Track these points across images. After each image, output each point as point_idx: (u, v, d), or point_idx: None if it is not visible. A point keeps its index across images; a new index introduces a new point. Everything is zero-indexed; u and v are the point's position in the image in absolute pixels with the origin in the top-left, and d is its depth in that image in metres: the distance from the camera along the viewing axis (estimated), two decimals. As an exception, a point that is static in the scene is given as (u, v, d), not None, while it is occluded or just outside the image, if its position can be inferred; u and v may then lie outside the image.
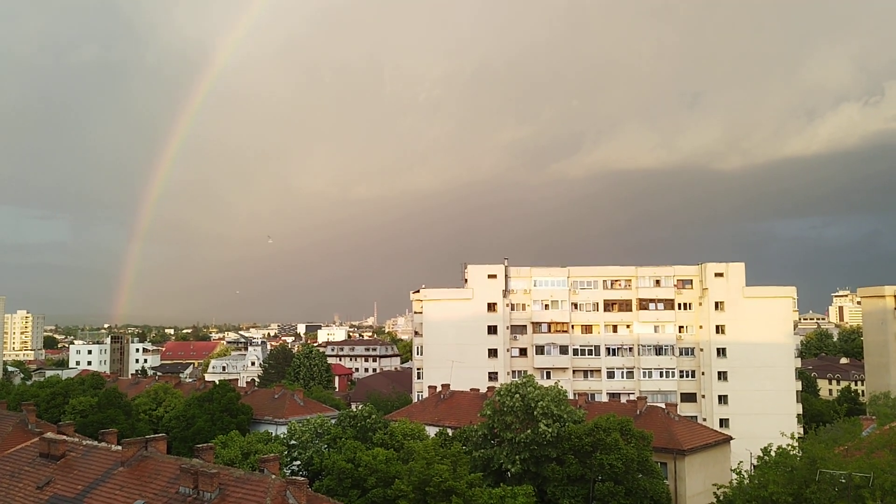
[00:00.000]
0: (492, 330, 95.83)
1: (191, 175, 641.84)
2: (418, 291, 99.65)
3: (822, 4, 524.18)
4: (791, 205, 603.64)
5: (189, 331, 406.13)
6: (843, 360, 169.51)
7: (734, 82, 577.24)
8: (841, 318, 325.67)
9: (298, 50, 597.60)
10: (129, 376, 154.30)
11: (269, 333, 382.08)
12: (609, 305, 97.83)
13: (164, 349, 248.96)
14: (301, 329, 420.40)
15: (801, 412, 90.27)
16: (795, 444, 38.96)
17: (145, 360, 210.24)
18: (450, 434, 51.12)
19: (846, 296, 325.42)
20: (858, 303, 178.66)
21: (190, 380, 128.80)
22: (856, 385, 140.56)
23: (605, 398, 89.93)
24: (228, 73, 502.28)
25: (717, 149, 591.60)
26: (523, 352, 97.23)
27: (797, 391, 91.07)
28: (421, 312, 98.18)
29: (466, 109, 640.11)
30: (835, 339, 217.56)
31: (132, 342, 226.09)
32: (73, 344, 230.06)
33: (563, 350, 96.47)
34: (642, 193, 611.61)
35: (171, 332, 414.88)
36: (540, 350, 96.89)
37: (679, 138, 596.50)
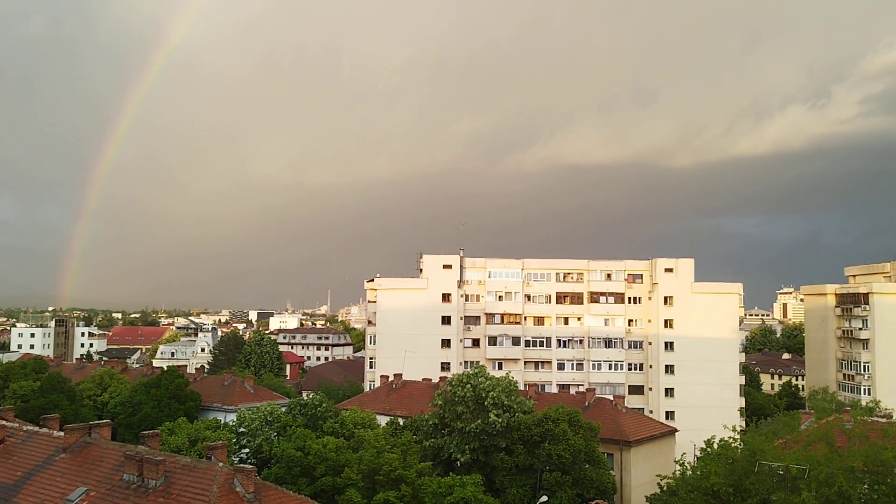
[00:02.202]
0: (445, 320, 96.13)
1: (142, 153, 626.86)
2: (373, 280, 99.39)
3: (774, 8, 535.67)
4: (739, 203, 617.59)
5: (137, 315, 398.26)
6: (786, 356, 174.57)
7: (688, 81, 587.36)
8: (785, 315, 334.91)
9: (256, 31, 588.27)
10: (74, 361, 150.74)
11: (220, 320, 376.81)
12: (561, 298, 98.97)
13: (111, 334, 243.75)
14: (253, 316, 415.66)
15: (743, 405, 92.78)
16: (737, 436, 40.05)
17: (91, 345, 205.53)
18: (401, 423, 51.26)
19: (790, 293, 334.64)
20: (801, 300, 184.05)
21: (137, 365, 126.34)
22: (796, 380, 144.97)
23: (555, 389, 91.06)
24: (183, 51, 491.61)
25: (668, 146, 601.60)
26: (476, 342, 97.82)
27: (741, 385, 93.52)
28: (375, 301, 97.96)
29: (426, 99, 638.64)
30: (778, 335, 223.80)
31: (77, 326, 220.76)
32: (15, 327, 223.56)
33: (516, 341, 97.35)
34: (596, 188, 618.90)
35: (119, 316, 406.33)
36: (493, 341, 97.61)
37: (632, 134, 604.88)
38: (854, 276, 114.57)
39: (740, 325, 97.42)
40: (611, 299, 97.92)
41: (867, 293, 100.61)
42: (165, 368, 76.30)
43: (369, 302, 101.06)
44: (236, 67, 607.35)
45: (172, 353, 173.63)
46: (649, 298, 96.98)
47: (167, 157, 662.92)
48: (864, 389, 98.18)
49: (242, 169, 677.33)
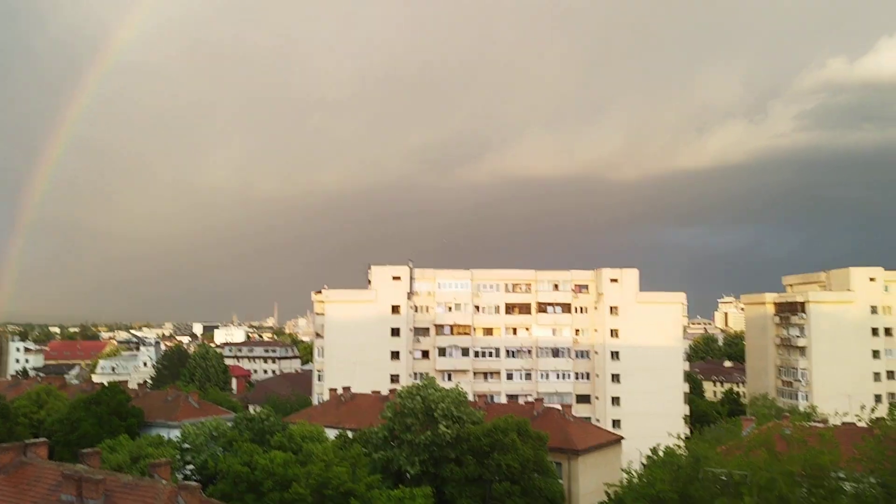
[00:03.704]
0: (395, 332, 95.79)
1: (81, 170, 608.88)
2: (320, 292, 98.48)
3: (713, 28, 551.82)
4: (682, 214, 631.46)
5: (76, 330, 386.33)
6: (727, 364, 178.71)
7: (631, 97, 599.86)
8: (726, 324, 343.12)
9: (202, 43, 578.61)
10: (9, 377, 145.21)
11: (163, 333, 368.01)
12: (510, 308, 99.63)
13: (48, 349, 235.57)
14: (198, 329, 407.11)
15: (688, 413, 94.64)
16: (682, 443, 40.82)
17: (27, 361, 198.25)
18: (350, 436, 50.81)
19: (731, 302, 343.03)
20: (742, 309, 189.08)
21: (76, 381, 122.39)
22: (738, 387, 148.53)
23: (504, 400, 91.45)
24: (125, 66, 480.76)
25: (614, 159, 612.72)
26: (426, 354, 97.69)
27: (685, 393, 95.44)
28: (323, 314, 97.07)
29: (375, 111, 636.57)
30: (720, 343, 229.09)
31: (12, 341, 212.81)
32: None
33: (465, 352, 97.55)
34: (544, 199, 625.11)
35: (57, 331, 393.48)
36: (442, 352, 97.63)
37: (579, 147, 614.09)
38: (791, 285, 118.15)
39: (684, 333, 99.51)
40: (558, 309, 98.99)
41: (804, 302, 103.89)
42: (106, 384, 74.13)
43: (317, 314, 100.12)
44: (181, 81, 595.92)
45: (113, 369, 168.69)
46: (595, 308, 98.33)
47: (107, 175, 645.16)
48: (802, 395, 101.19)
49: (188, 182, 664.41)
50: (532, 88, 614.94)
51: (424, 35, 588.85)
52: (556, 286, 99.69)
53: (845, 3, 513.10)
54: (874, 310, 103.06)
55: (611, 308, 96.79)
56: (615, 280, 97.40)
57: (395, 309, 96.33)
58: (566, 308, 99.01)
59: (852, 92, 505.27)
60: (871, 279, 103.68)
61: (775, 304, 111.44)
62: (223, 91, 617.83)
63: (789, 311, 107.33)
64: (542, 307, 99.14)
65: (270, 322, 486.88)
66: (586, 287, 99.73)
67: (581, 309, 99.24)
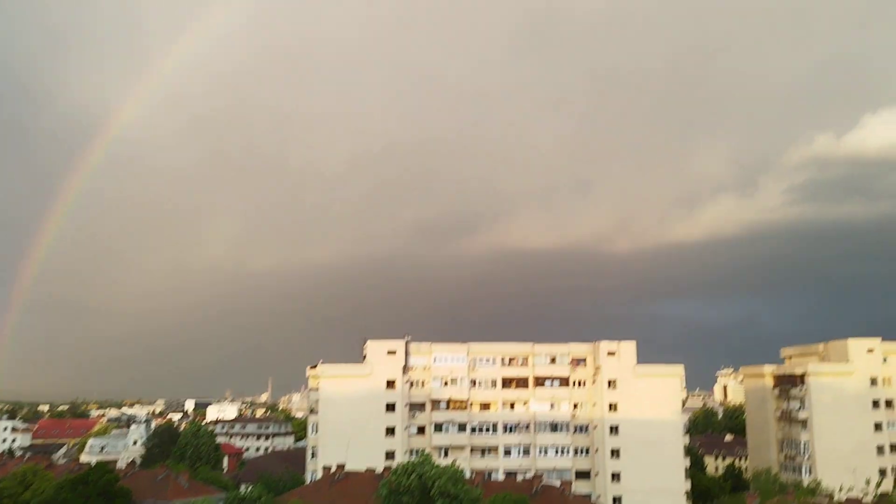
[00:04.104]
0: (390, 407, 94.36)
1: (76, 249, 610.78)
2: (315, 367, 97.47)
3: (703, 103, 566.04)
4: (677, 286, 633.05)
5: (66, 407, 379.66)
6: (728, 437, 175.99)
7: (623, 171, 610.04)
8: (725, 396, 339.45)
9: (200, 119, 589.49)
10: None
11: (154, 410, 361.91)
12: (507, 382, 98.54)
13: (36, 427, 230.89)
14: (189, 406, 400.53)
15: (689, 489, 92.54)
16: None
17: (14, 440, 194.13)
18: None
19: (730, 374, 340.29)
20: (741, 381, 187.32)
21: (64, 461, 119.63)
22: (739, 461, 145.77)
23: (501, 476, 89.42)
24: (124, 142, 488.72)
25: (607, 232, 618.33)
26: (421, 430, 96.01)
27: (686, 468, 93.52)
28: (317, 389, 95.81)
29: (371, 185, 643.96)
30: (720, 416, 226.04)
31: (0, 420, 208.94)
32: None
33: (462, 428, 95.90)
34: (538, 272, 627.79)
35: (46, 408, 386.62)
36: (438, 428, 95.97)
37: (572, 221, 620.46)
38: (790, 357, 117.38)
39: (683, 406, 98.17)
40: (556, 383, 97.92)
41: (803, 374, 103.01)
42: (94, 463, 72.45)
43: (311, 390, 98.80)
44: (180, 158, 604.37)
45: (102, 448, 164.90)
46: (593, 382, 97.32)
47: (105, 246, 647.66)
48: (805, 469, 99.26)
49: (185, 255, 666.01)
50: (526, 164, 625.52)
51: (422, 110, 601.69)
52: (553, 359, 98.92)
53: (830, 83, 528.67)
54: (874, 381, 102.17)
55: (609, 381, 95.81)
56: (612, 353, 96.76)
57: (391, 384, 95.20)
58: (564, 382, 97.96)
59: (840, 166, 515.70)
60: (870, 350, 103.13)
61: (774, 376, 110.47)
62: (220, 166, 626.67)
63: (789, 383, 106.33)
64: (540, 381, 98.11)
65: (264, 397, 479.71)
66: (584, 360, 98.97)
67: (579, 382, 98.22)
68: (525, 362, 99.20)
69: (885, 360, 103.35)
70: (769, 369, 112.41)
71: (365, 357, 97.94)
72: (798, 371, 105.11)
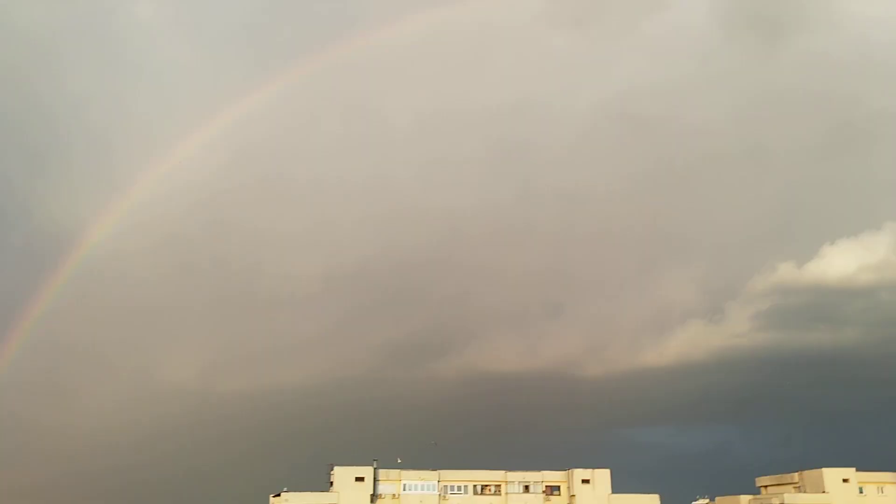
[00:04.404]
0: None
1: (39, 366, 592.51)
2: (279, 495, 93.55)
3: (670, 233, 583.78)
4: (649, 413, 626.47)
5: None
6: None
7: (594, 297, 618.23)
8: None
9: (174, 238, 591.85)
10: None
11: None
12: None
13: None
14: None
15: None
16: None
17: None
18: None
19: (706, 503, 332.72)
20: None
21: None
22: None
23: None
24: (96, 261, 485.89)
25: (578, 357, 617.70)
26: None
27: None
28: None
29: (344, 307, 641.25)
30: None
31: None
32: None
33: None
34: (510, 396, 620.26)
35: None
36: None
37: (543, 345, 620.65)
38: (766, 486, 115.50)
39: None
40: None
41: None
42: None
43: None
44: (151, 278, 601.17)
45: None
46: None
47: (67, 367, 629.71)
48: None
49: (148, 380, 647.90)
50: (497, 288, 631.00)
51: (396, 232, 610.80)
52: (526, 487, 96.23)
53: (790, 214, 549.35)
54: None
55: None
56: (587, 481, 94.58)
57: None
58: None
59: (803, 294, 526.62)
60: (845, 480, 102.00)
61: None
62: (192, 287, 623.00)
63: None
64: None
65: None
66: (558, 489, 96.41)
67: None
68: (498, 490, 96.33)
69: (861, 490, 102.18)
70: (745, 499, 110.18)
71: (331, 484, 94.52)
72: (775, 501, 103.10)
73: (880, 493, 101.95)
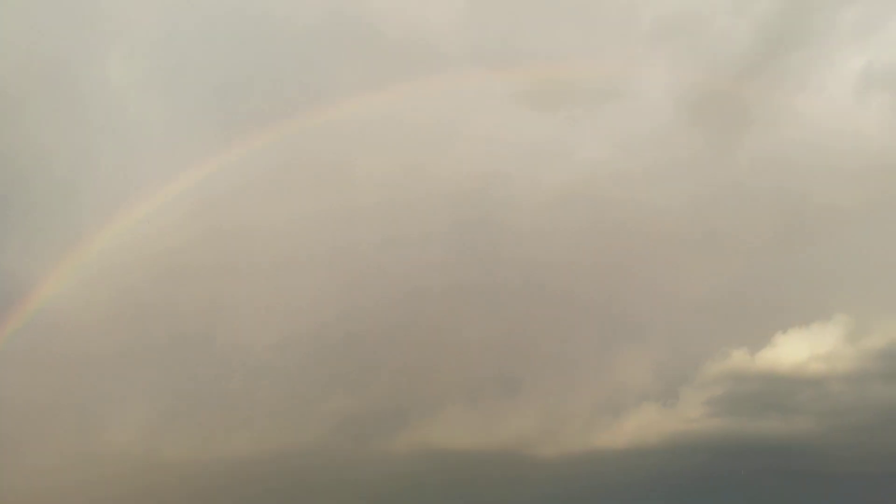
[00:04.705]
0: None
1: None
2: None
3: (624, 315, 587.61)
4: (601, 495, 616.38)
5: None
6: None
7: (550, 376, 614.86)
8: None
9: (126, 300, 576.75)
10: None
11: None
12: None
13: None
14: None
15: None
16: None
17: None
18: None
19: None
20: None
21: None
22: None
23: None
24: (47, 314, 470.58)
25: (532, 436, 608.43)
26: None
27: None
28: None
29: (297, 376, 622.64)
30: None
31: None
32: None
33: None
34: (463, 474, 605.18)
35: None
36: None
37: (497, 423, 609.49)
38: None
39: None
40: None
41: None
42: None
43: None
44: (97, 334, 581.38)
45: None
46: None
47: (4, 425, 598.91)
48: None
49: (91, 442, 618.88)
50: (452, 364, 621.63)
51: (352, 302, 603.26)
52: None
53: (743, 301, 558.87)
54: None
55: None
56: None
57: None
58: None
59: (755, 382, 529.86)
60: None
61: None
62: (141, 349, 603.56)
63: None
64: None
65: None
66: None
67: None
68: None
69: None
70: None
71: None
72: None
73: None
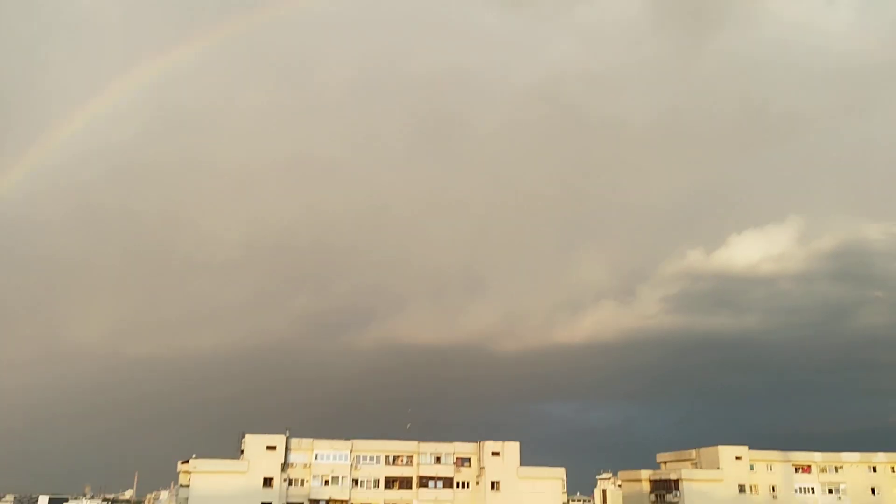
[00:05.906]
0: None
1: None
2: (187, 462, 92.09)
3: (584, 217, 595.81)
4: (559, 388, 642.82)
5: None
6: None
7: (510, 275, 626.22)
8: (605, 500, 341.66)
9: (88, 196, 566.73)
10: None
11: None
12: (390, 482, 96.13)
13: None
14: (43, 502, 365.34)
15: None
16: None
17: None
18: None
19: (608, 478, 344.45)
20: (619, 486, 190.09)
21: None
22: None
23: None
24: (4, 219, 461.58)
25: (494, 331, 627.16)
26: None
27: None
28: (188, 485, 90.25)
29: (263, 276, 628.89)
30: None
31: None
32: None
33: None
34: (426, 369, 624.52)
35: None
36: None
37: (461, 319, 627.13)
38: (665, 462, 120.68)
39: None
40: (440, 483, 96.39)
41: (677, 479, 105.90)
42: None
43: (181, 485, 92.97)
44: (59, 236, 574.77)
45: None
46: (477, 483, 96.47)
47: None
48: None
49: (51, 338, 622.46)
50: (418, 262, 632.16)
51: (319, 204, 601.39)
52: (438, 459, 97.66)
53: (700, 203, 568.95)
54: (742, 489, 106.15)
55: (492, 483, 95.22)
56: (497, 453, 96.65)
57: (268, 482, 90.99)
58: (448, 483, 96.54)
59: (709, 280, 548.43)
60: (738, 458, 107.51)
61: (650, 481, 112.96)
62: (102, 250, 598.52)
63: (664, 488, 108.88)
64: (424, 481, 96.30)
65: (128, 494, 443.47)
66: (468, 460, 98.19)
67: (463, 484, 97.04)
68: (410, 461, 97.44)
69: (752, 467, 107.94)
70: (646, 474, 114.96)
71: (242, 452, 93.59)
72: (673, 476, 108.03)
73: (769, 471, 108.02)
